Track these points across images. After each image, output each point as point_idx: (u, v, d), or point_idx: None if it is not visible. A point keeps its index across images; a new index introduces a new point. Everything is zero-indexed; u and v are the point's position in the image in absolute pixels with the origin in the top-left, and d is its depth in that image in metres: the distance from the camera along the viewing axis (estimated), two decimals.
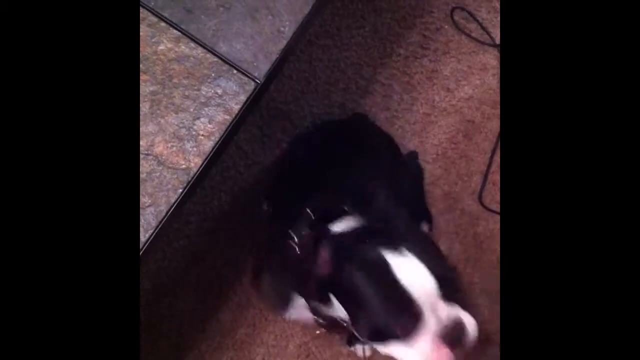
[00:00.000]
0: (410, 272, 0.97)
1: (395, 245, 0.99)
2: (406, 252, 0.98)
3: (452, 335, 0.97)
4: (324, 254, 1.03)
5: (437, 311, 0.97)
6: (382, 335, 0.99)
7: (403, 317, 0.96)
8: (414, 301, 0.95)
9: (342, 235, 1.06)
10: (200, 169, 1.01)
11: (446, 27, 1.79)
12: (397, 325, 0.97)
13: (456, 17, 1.80)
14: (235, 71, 1.03)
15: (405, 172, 1.46)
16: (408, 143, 1.70)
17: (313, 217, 1.09)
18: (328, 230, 1.06)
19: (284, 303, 1.19)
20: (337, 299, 1.04)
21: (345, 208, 1.10)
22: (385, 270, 0.97)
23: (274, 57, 1.03)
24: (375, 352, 1.60)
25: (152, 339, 1.61)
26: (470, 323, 0.98)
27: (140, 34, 1.03)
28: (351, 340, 1.61)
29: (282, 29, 1.04)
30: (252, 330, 1.64)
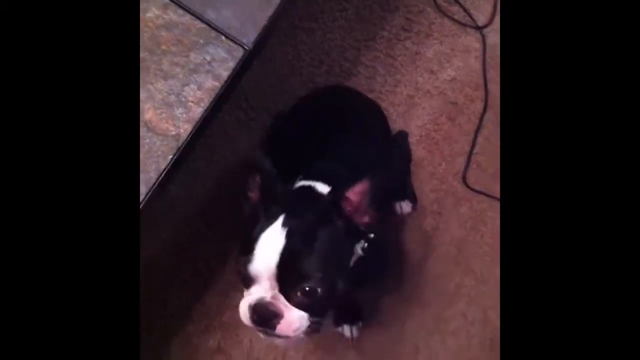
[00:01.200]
0: (269, 244, 1.00)
1: (291, 217, 1.02)
2: (284, 229, 1.01)
3: (260, 315, 1.02)
4: (256, 180, 1.06)
5: (266, 287, 1.01)
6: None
7: (243, 273, 1.03)
8: (251, 267, 1.01)
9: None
10: (190, 135, 1.02)
11: (429, 9, 1.81)
12: (240, 277, 1.04)
13: (438, 0, 1.82)
14: (223, 38, 1.03)
15: (394, 148, 1.48)
16: (392, 125, 1.71)
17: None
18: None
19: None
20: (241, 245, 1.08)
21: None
22: (260, 231, 1.02)
23: (262, 23, 1.04)
24: (362, 333, 1.61)
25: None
26: (290, 321, 1.02)
27: None
28: (339, 321, 1.61)
29: None
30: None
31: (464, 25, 1.81)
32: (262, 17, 1.04)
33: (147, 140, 1.00)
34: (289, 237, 1.00)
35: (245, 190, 1.08)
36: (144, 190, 0.99)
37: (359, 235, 1.09)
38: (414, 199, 1.70)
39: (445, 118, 1.76)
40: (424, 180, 1.73)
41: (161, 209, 1.66)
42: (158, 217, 1.65)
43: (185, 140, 1.01)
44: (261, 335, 1.08)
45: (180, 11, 1.03)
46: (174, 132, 1.01)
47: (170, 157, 1.01)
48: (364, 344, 1.61)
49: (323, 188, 1.12)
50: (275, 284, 1.01)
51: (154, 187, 1.00)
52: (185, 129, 1.01)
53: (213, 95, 1.02)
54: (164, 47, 1.03)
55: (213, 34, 1.03)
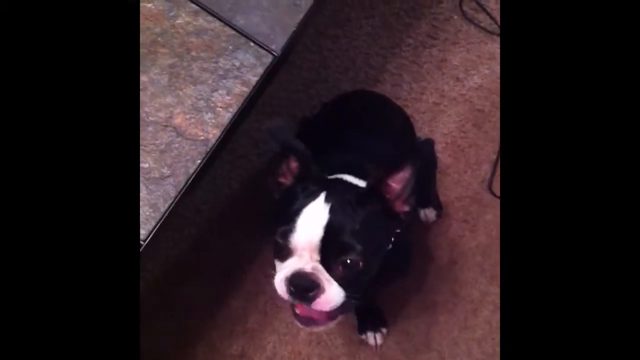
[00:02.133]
0: (312, 217, 1.01)
1: (333, 195, 1.03)
2: (327, 204, 1.01)
3: (297, 286, 1.03)
4: (290, 164, 1.07)
5: (306, 259, 1.02)
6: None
7: (281, 244, 1.03)
8: (292, 237, 1.01)
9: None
10: (219, 140, 1.03)
11: (455, 17, 1.81)
12: (276, 249, 1.05)
13: (465, 8, 1.82)
14: (252, 44, 1.04)
15: (421, 154, 1.48)
16: (418, 132, 1.71)
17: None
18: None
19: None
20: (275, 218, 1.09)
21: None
22: (301, 206, 1.02)
23: (291, 29, 1.05)
24: (386, 340, 1.60)
25: (163, 327, 1.61)
26: (330, 294, 1.03)
27: (159, 8, 1.05)
28: (363, 328, 1.61)
29: (298, 1, 1.06)
30: (263, 317, 1.64)
31: (491, 32, 1.81)
32: (291, 24, 1.05)
33: (177, 145, 1.01)
34: (332, 212, 1.01)
35: (276, 175, 1.09)
36: (173, 193, 1.01)
37: (397, 222, 1.09)
38: (438, 207, 1.69)
39: (471, 125, 1.76)
40: (449, 188, 1.73)
41: (186, 212, 1.67)
42: (183, 220, 1.67)
43: (214, 145, 1.02)
44: (296, 321, 1.09)
45: (210, 17, 1.05)
46: (202, 137, 1.02)
47: (199, 161, 1.02)
48: (388, 351, 1.61)
49: (351, 179, 1.12)
50: (316, 256, 1.02)
51: (183, 191, 1.01)
52: (214, 134, 1.02)
53: (241, 100, 1.03)
54: (193, 53, 1.04)
55: (242, 40, 1.04)
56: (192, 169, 1.01)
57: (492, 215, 1.71)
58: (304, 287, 1.02)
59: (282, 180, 1.10)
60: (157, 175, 1.00)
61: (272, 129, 1.05)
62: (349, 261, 1.01)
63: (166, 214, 1.00)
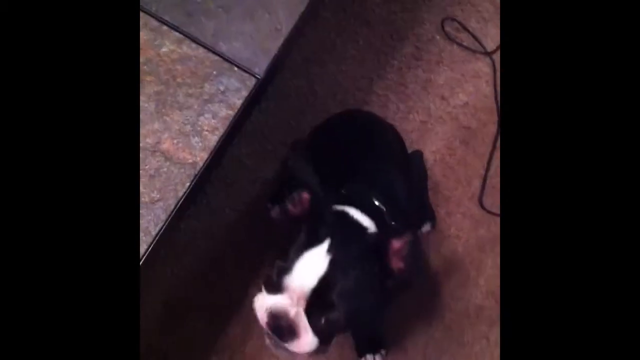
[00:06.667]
0: (311, 264, 1.02)
1: (335, 246, 1.03)
2: (328, 255, 1.02)
3: (275, 323, 1.04)
4: (303, 197, 1.07)
5: (293, 302, 1.03)
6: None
7: (275, 280, 1.04)
8: (286, 278, 1.03)
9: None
10: (206, 163, 1.05)
11: (438, 37, 1.85)
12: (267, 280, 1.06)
13: (447, 28, 1.86)
14: (236, 68, 1.07)
15: (412, 167, 1.51)
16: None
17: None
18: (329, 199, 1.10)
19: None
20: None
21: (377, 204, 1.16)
22: (303, 248, 1.03)
23: (273, 53, 1.08)
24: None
25: (161, 355, 1.61)
26: (303, 342, 1.04)
27: (144, 38, 1.08)
28: (362, 351, 1.61)
29: (279, 26, 1.09)
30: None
31: (474, 51, 1.84)
32: (273, 48, 1.08)
33: (165, 169, 1.03)
34: (331, 265, 1.01)
35: (285, 202, 1.09)
36: (163, 217, 1.02)
37: (391, 280, 1.09)
38: (432, 217, 1.71)
39: (459, 142, 1.78)
40: (440, 205, 1.74)
41: (183, 241, 1.69)
42: (179, 249, 1.68)
43: (202, 168, 1.04)
44: (268, 341, 1.10)
45: (194, 45, 1.08)
46: (190, 161, 1.04)
47: (188, 184, 1.04)
48: None
49: (356, 214, 1.13)
50: (302, 303, 1.02)
51: (173, 214, 1.03)
52: (201, 157, 1.04)
53: (227, 123, 1.05)
54: (179, 79, 1.07)
55: (226, 65, 1.07)
56: (181, 192, 1.03)
57: (484, 230, 1.72)
58: (281, 326, 1.04)
59: (290, 207, 1.09)
60: (147, 200, 1.02)
61: (294, 168, 1.07)
62: (332, 319, 1.02)
63: (157, 237, 1.01)
